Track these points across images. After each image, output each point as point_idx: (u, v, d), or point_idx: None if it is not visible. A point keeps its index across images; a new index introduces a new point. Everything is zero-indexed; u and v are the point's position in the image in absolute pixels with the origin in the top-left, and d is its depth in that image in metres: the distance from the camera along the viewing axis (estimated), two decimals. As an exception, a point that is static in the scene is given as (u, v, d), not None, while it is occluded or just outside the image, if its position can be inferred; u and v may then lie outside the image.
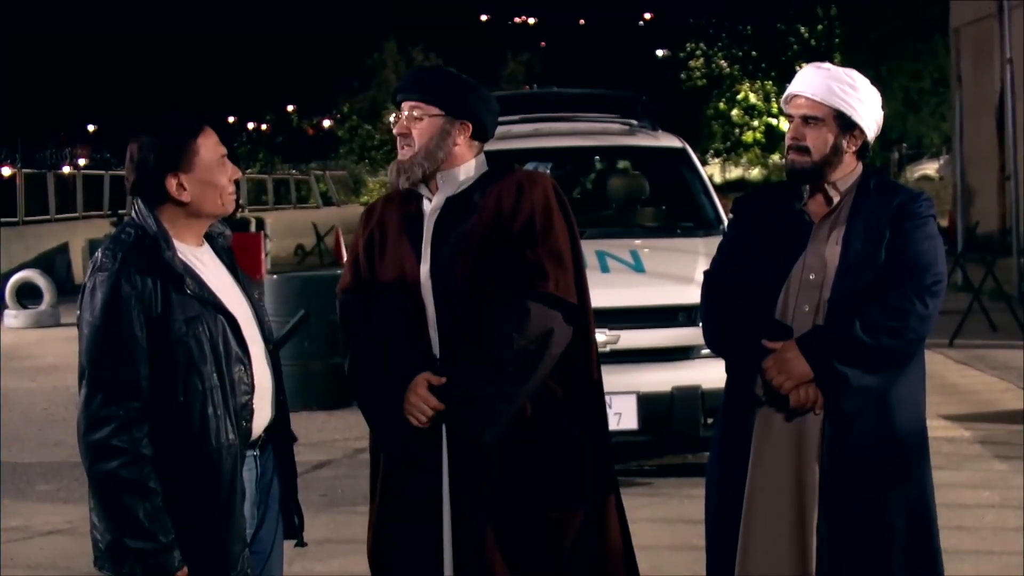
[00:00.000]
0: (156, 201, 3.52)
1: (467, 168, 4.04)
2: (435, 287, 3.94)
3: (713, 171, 56.47)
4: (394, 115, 4.06)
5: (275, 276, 11.76)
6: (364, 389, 4.06)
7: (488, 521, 3.90)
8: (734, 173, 60.32)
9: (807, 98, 4.05)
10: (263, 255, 19.48)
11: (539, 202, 3.95)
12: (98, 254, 3.46)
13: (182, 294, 3.43)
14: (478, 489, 3.91)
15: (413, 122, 3.99)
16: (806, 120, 4.04)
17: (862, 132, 4.06)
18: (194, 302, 3.45)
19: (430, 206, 4.04)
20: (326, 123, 62.33)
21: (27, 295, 18.77)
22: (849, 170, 4.09)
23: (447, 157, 3.99)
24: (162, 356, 3.40)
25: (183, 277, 3.44)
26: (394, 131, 4.03)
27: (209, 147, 3.54)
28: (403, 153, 4.00)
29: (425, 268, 3.97)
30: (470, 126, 4.01)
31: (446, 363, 3.92)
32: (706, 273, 4.27)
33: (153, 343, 3.39)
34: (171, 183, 3.50)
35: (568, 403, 3.98)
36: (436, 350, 3.95)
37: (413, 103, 4.00)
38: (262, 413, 3.61)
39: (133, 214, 3.54)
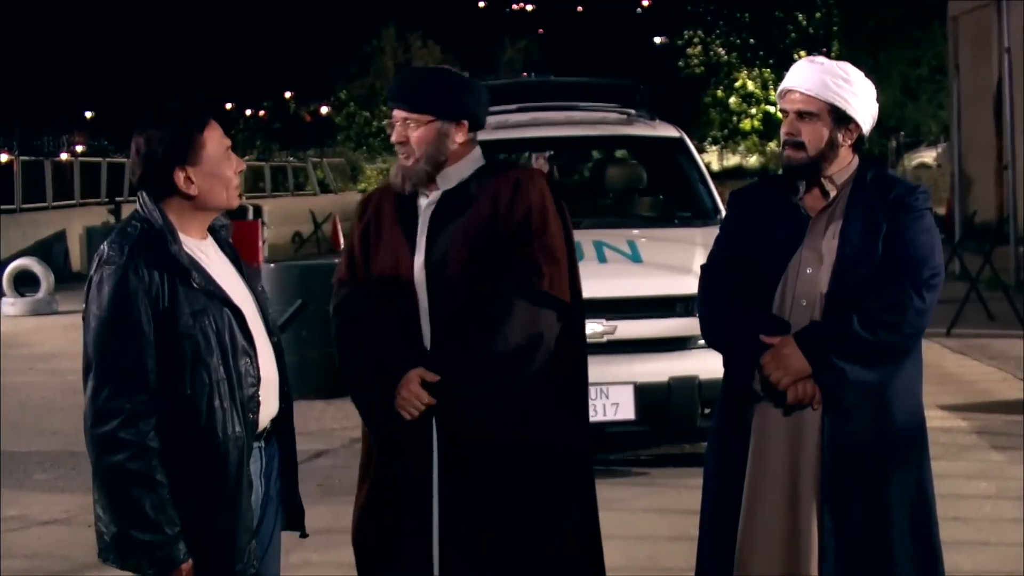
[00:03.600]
0: (162, 194, 3.53)
1: (464, 164, 4.06)
2: (429, 279, 3.96)
3: (711, 159, 56.41)
4: (386, 122, 4.08)
5: (272, 265, 11.76)
6: (356, 380, 4.09)
7: (474, 512, 3.93)
8: (732, 161, 60.24)
9: (801, 93, 4.04)
10: (260, 243, 19.47)
11: (536, 200, 3.97)
12: (104, 247, 3.48)
13: (188, 287, 3.45)
14: (466, 481, 3.94)
15: (409, 130, 4.00)
16: (801, 115, 4.03)
17: (857, 126, 4.05)
18: (200, 295, 3.46)
19: (426, 200, 4.06)
20: (324, 110, 62.19)
21: (24, 283, 18.78)
22: (845, 163, 4.09)
23: (448, 157, 4.02)
24: (169, 349, 3.42)
25: (189, 271, 3.46)
26: (392, 139, 4.04)
27: (215, 140, 3.54)
28: (404, 160, 4.03)
29: (419, 260, 3.99)
30: (466, 124, 4.03)
31: (437, 356, 3.93)
32: (703, 267, 4.26)
33: (160, 336, 3.41)
34: (179, 176, 3.51)
35: (557, 399, 4.00)
36: (427, 342, 3.97)
37: (405, 113, 4.01)
38: (268, 405, 3.63)
39: (138, 207, 3.55)
